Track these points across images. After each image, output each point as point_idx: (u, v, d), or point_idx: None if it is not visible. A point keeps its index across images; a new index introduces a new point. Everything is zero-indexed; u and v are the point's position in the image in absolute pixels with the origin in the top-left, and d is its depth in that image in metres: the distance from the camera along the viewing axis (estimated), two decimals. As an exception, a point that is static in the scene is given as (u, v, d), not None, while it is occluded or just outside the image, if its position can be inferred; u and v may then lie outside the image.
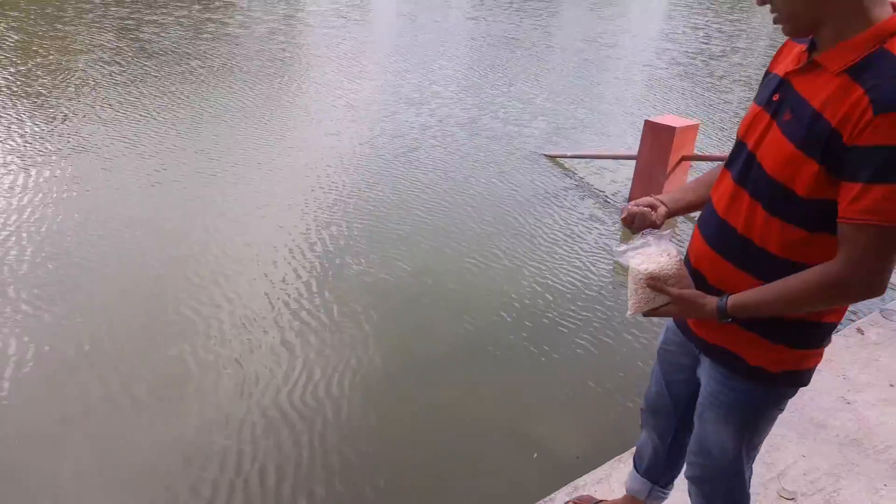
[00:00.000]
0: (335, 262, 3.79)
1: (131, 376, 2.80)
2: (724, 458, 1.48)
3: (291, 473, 2.38)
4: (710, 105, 7.87)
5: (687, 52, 11.12)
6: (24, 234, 3.80)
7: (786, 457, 2.33)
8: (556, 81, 8.76)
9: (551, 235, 4.33)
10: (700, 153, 5.27)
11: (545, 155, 5.80)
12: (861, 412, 2.59)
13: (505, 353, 3.13)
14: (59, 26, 9.47)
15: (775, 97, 1.22)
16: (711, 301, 1.27)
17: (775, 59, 1.31)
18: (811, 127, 1.12)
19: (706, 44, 12.08)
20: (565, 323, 3.40)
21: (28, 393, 2.68)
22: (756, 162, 1.23)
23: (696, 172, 5.04)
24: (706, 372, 1.47)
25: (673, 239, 1.38)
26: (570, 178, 5.38)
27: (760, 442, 1.50)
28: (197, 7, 12.30)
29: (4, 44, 8.23)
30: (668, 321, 1.61)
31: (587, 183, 5.32)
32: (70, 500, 2.23)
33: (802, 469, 2.28)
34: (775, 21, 1.17)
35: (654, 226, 1.41)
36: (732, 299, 1.25)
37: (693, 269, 1.38)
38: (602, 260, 4.04)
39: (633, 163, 5.01)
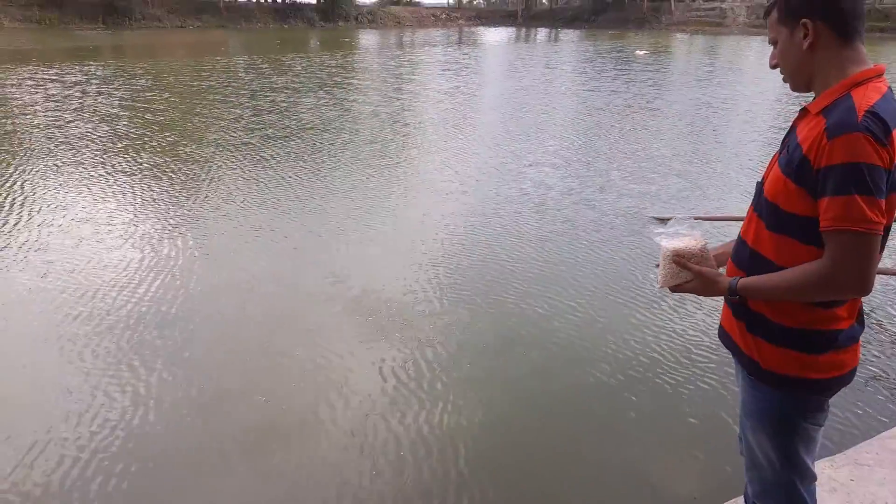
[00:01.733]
0: (460, 306, 4.07)
1: (261, 413, 3.03)
2: (772, 470, 1.58)
3: (407, 498, 2.55)
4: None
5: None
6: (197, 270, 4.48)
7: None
8: (680, 145, 9.02)
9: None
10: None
11: (654, 217, 5.95)
12: None
13: (627, 397, 3.21)
14: (232, 109, 11.18)
15: (786, 140, 1.50)
16: (725, 279, 1.50)
17: None
18: (793, 154, 1.39)
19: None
20: (687, 371, 3.45)
21: (173, 422, 2.93)
22: (763, 190, 1.50)
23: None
24: (740, 383, 1.63)
25: (699, 229, 1.59)
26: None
27: (803, 461, 1.55)
28: (337, 90, 13.89)
29: (197, 122, 9.84)
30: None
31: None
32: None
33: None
34: (784, 80, 1.51)
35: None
36: (742, 280, 1.47)
37: None
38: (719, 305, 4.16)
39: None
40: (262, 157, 7.99)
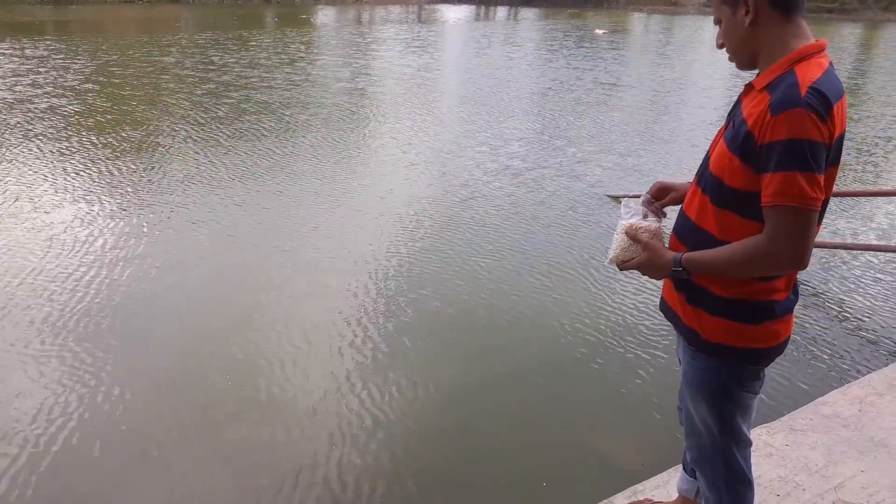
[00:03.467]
0: (409, 292, 4.05)
1: (210, 402, 2.98)
2: (709, 437, 1.63)
3: (372, 476, 2.60)
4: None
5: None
6: (118, 273, 4.20)
7: (844, 471, 2.38)
8: (640, 122, 9.17)
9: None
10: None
11: (609, 195, 6.05)
12: (923, 433, 2.63)
13: (576, 372, 3.31)
14: (202, 84, 10.89)
15: (731, 114, 1.50)
16: (670, 253, 1.52)
17: None
18: (738, 130, 1.39)
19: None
20: (633, 345, 3.55)
21: (104, 432, 2.79)
22: (708, 164, 1.50)
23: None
24: (681, 352, 1.68)
25: (661, 214, 1.64)
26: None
27: (739, 427, 1.61)
28: (308, 66, 13.63)
29: (168, 96, 9.56)
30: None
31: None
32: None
33: (861, 483, 2.37)
34: (729, 59, 1.51)
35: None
36: (686, 254, 1.48)
37: None
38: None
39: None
40: (235, 131, 8.00)
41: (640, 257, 1.56)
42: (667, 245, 1.61)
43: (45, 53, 14.60)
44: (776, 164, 1.29)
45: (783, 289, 1.49)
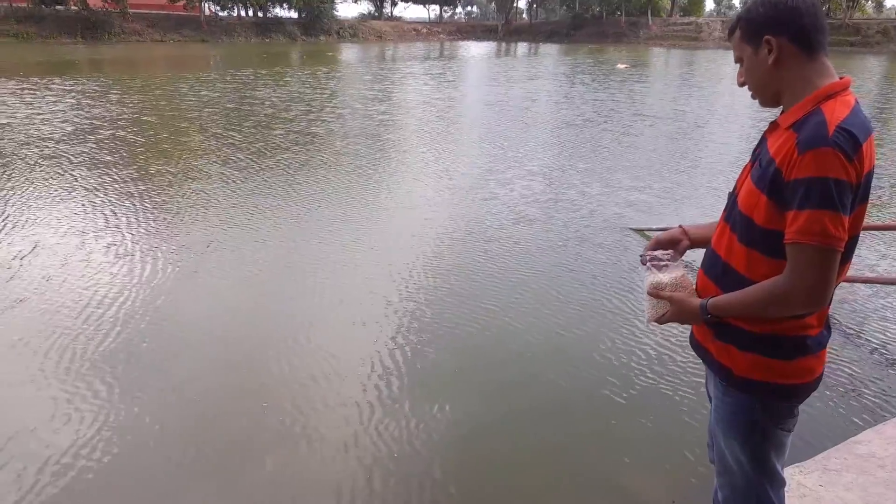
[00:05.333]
0: (435, 322, 3.98)
1: (232, 441, 2.90)
2: (742, 475, 1.59)
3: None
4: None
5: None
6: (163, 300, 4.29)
7: (886, 513, 2.25)
8: (664, 154, 9.21)
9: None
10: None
11: (632, 229, 5.91)
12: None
13: (604, 406, 3.21)
14: (249, 117, 11.33)
15: (757, 151, 1.51)
16: (696, 301, 1.54)
17: None
18: (766, 168, 1.39)
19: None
20: (661, 379, 3.43)
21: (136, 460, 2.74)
22: (736, 202, 1.50)
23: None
24: (712, 387, 1.66)
25: (684, 265, 1.63)
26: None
27: (773, 466, 1.57)
28: (349, 100, 14.03)
29: (223, 129, 9.96)
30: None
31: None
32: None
33: (903, 526, 2.22)
34: (752, 97, 1.51)
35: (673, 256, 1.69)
36: (712, 300, 1.50)
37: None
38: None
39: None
40: (283, 160, 8.31)
41: (671, 311, 1.59)
42: (695, 283, 1.62)
43: (97, 88, 15.39)
44: (801, 202, 1.30)
45: (815, 324, 1.46)
